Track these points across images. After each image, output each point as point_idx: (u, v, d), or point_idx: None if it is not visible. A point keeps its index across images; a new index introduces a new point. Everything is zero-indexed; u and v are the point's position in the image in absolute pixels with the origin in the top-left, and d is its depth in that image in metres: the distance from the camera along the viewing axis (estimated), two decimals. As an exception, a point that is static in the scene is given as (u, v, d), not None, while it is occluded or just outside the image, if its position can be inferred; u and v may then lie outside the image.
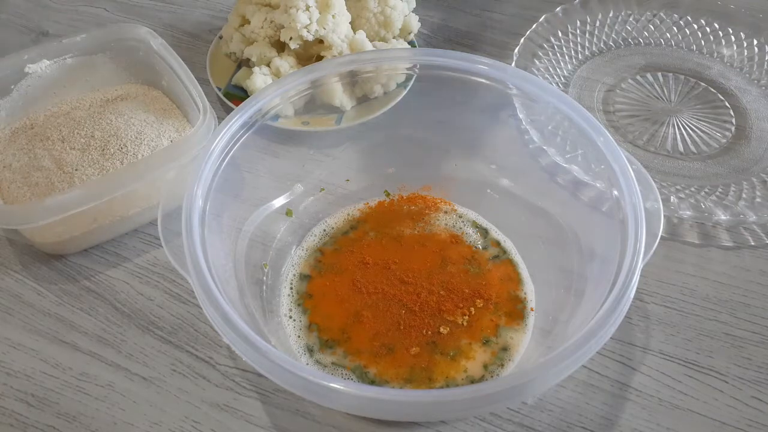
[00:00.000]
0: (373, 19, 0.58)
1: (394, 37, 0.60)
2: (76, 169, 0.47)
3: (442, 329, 0.42)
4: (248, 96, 0.46)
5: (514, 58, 0.58)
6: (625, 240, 0.36)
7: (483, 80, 0.44)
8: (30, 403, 0.41)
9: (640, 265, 0.35)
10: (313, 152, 0.50)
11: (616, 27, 0.64)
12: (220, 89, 0.57)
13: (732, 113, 0.57)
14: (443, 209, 0.49)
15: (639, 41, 0.63)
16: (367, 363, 0.40)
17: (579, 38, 0.63)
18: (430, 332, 0.41)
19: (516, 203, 0.47)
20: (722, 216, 0.48)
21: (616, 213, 0.38)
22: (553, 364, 0.31)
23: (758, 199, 0.50)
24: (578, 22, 0.63)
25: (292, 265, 0.46)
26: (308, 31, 0.54)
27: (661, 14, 0.64)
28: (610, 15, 0.64)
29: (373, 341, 0.41)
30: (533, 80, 0.44)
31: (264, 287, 0.44)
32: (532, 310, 0.43)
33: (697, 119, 0.57)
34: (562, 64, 0.61)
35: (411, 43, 0.61)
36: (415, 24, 0.60)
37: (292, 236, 0.47)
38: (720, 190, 0.51)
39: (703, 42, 0.63)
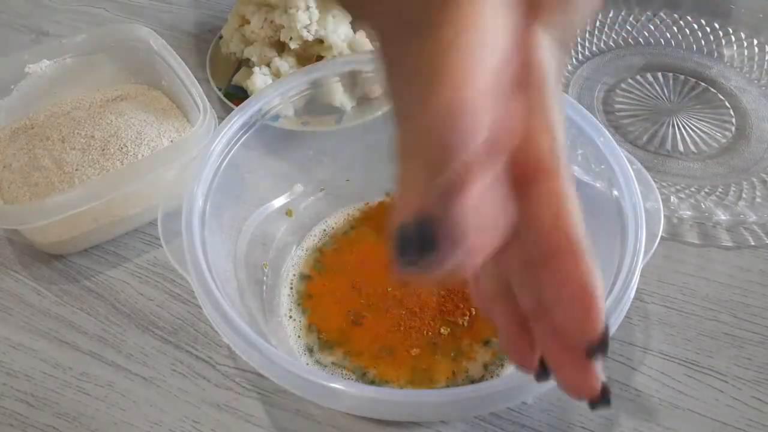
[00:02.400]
0: (373, 19, 0.58)
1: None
2: (76, 169, 0.47)
3: (442, 330, 0.41)
4: (248, 96, 0.46)
5: (515, 58, 0.58)
6: (625, 240, 0.36)
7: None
8: (30, 403, 0.41)
9: (640, 265, 0.35)
10: (313, 152, 0.50)
11: (616, 27, 0.64)
12: (220, 89, 0.57)
13: (732, 113, 0.57)
14: (443, 209, 0.48)
15: (639, 41, 0.63)
16: (368, 364, 0.40)
17: (579, 38, 0.63)
18: (430, 333, 0.41)
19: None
20: (722, 216, 0.48)
21: (616, 213, 0.38)
22: (553, 365, 0.31)
23: (758, 199, 0.50)
24: (578, 22, 0.63)
25: (292, 265, 0.46)
26: (308, 31, 0.54)
27: (661, 14, 0.64)
28: (610, 15, 0.64)
29: (373, 342, 0.41)
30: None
31: (264, 287, 0.44)
32: (532, 310, 0.43)
33: (697, 119, 0.57)
34: (562, 64, 0.60)
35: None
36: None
37: (292, 236, 0.47)
38: (720, 190, 0.51)
39: (703, 42, 0.63)
